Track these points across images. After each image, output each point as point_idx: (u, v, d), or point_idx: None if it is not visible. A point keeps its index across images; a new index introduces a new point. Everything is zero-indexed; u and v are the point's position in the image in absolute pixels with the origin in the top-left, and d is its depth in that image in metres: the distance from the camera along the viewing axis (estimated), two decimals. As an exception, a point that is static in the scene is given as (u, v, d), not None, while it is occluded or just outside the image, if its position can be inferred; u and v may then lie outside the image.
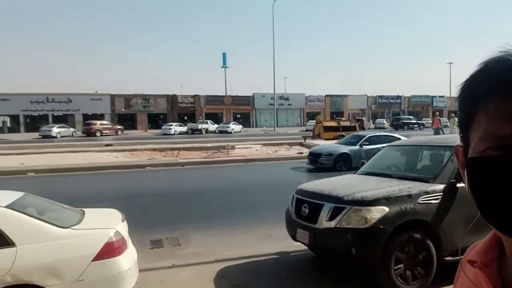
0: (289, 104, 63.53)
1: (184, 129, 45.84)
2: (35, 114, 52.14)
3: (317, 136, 29.59)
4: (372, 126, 55.26)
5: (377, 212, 4.22)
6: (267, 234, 6.90)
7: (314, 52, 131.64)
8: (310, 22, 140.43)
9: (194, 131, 45.17)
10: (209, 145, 24.28)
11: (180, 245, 6.55)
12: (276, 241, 6.45)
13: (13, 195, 4.19)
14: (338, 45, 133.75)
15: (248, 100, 61.69)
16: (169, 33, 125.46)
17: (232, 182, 13.10)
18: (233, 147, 22.84)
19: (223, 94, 62.92)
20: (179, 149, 22.13)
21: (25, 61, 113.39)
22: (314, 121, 36.86)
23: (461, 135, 0.68)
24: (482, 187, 0.60)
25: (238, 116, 60.06)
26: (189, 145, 24.96)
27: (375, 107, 68.72)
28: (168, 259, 5.84)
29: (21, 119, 51.78)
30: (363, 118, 53.74)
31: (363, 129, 45.20)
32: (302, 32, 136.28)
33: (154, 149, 22.96)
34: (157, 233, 7.04)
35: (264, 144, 26.61)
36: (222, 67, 68.12)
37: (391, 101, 69.30)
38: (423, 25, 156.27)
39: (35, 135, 40.34)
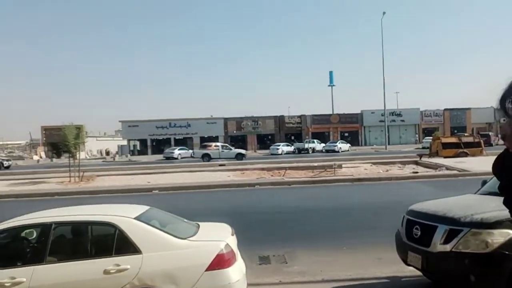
0: (402, 120, 60.07)
1: (291, 148, 46.48)
2: (160, 138, 58.28)
3: (435, 154, 27.39)
4: (501, 142, 49.08)
5: (500, 236, 3.76)
6: (377, 257, 6.59)
7: (429, 63, 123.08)
8: (423, 32, 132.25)
9: (300, 151, 45.50)
10: (315, 164, 24.21)
11: (286, 263, 6.64)
12: (386, 264, 6.12)
13: (140, 209, 4.78)
14: (457, 55, 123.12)
15: (356, 118, 60.12)
16: (276, 56, 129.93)
17: (338, 201, 12.84)
18: (340, 166, 22.39)
19: (330, 112, 62.43)
20: (285, 168, 22.52)
21: (150, 93, 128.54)
22: (431, 137, 34.28)
23: None
24: None
25: (346, 134, 58.81)
26: (295, 164, 25.22)
27: (504, 120, 60.77)
28: (275, 275, 5.96)
29: (148, 143, 58.36)
30: (490, 133, 48.14)
31: (490, 145, 40.45)
32: (414, 43, 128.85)
33: (263, 169, 23.74)
34: (265, 249, 7.24)
35: (373, 163, 25.55)
36: (329, 85, 67.92)
37: (524, 113, 60.76)
38: None
39: (160, 156, 45.01)
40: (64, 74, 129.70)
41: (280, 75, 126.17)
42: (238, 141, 57.55)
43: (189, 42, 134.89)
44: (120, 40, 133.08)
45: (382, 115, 52.06)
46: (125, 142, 58.46)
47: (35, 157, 54.81)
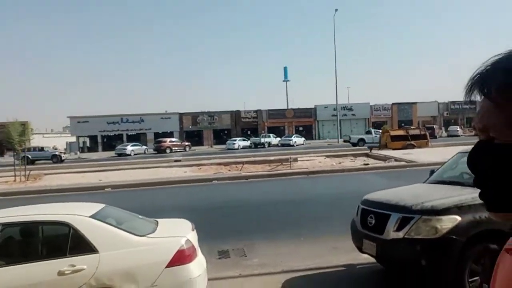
0: (353, 114, 62.10)
1: (248, 143, 46.68)
2: (111, 134, 56.25)
3: (384, 147, 28.62)
4: (444, 134, 52.17)
5: (449, 222, 4.02)
6: (333, 246, 6.81)
7: (378, 59, 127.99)
8: (372, 29, 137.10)
9: (257, 145, 45.81)
10: (272, 158, 24.52)
11: (246, 256, 6.69)
12: (342, 253, 6.34)
13: (95, 207, 4.60)
14: (403, 50, 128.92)
15: (310, 112, 61.38)
16: (231, 50, 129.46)
17: (295, 194, 13.09)
18: (295, 160, 22.82)
19: (285, 107, 63.28)
20: (243, 163, 22.61)
21: (102, 87, 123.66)
22: (380, 130, 35.80)
23: None
24: None
25: (301, 128, 59.91)
26: (252, 158, 25.39)
27: (447, 113, 64.74)
28: (235, 269, 5.99)
29: (99, 139, 56.14)
30: (434, 126, 50.98)
31: (435, 137, 42.85)
32: (365, 39, 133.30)
33: (220, 164, 23.67)
34: (224, 244, 7.25)
35: (327, 156, 26.28)
36: (284, 81, 68.77)
37: (464, 106, 64.83)
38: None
39: (112, 153, 43.48)
40: (6, 65, 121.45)
41: (236, 70, 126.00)
42: (194, 136, 56.84)
43: (140, 33, 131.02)
44: (68, 31, 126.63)
45: (334, 110, 53.60)
46: (74, 139, 55.83)
47: (-26, 156, 50.94)
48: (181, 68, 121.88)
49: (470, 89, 0.71)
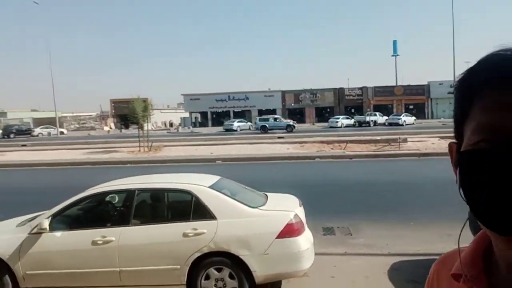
0: (473, 92, 55.79)
1: (351, 122, 45.39)
2: (219, 111, 59.55)
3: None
4: None
5: None
6: (446, 233, 6.38)
7: (502, 28, 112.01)
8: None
9: (361, 124, 44.28)
10: (378, 137, 23.50)
11: (351, 235, 6.68)
12: (456, 241, 5.93)
13: (212, 178, 5.04)
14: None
15: (422, 90, 56.85)
16: (335, 26, 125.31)
17: (404, 176, 12.46)
18: (405, 140, 21.55)
19: (393, 84, 59.61)
20: (346, 141, 22.12)
21: (212, 67, 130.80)
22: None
23: (455, 130, 0.64)
24: (473, 183, 0.56)
25: (411, 107, 56.01)
26: (356, 137, 24.67)
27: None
28: (340, 246, 6.05)
29: (209, 115, 59.93)
30: None
31: None
32: (487, 7, 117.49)
33: (322, 142, 23.52)
34: (329, 221, 7.32)
35: (442, 137, 24.23)
36: (393, 55, 64.58)
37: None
38: None
39: (220, 128, 46.15)
40: (131, 49, 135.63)
41: (340, 46, 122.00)
42: (296, 114, 57.13)
43: (246, 16, 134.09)
44: (181, 15, 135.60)
45: (451, 87, 48.59)
46: (187, 114, 60.53)
47: (106, 128, 58.66)
48: (284, 46, 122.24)
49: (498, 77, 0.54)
